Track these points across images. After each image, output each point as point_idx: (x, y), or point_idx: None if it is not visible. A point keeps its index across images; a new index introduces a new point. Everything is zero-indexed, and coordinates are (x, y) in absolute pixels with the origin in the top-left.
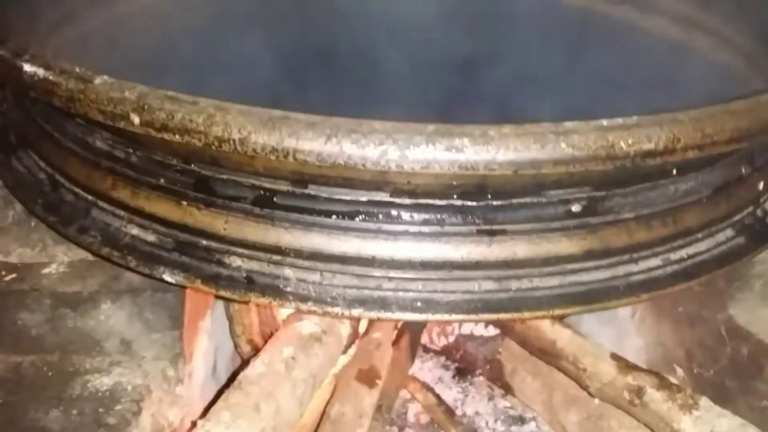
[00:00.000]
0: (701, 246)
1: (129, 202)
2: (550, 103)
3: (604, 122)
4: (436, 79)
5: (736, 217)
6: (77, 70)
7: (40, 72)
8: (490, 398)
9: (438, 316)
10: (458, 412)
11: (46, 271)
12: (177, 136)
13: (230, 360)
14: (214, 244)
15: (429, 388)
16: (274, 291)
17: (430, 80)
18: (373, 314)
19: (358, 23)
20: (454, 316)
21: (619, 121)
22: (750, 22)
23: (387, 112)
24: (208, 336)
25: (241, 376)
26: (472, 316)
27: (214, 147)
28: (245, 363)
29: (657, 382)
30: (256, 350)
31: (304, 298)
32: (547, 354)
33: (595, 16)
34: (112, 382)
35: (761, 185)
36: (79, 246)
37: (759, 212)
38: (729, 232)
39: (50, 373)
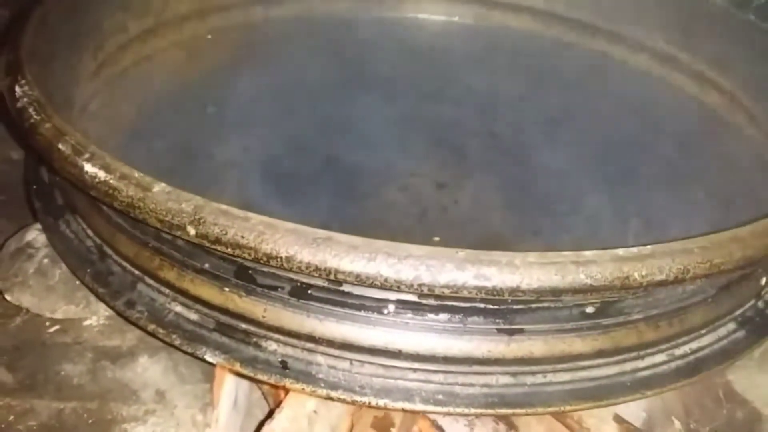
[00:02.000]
0: (704, 341)
1: (174, 283)
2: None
3: (621, 252)
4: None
5: (738, 311)
6: (136, 175)
7: (101, 174)
8: None
9: (458, 410)
10: None
11: (87, 323)
12: (229, 249)
13: (248, 390)
14: (252, 328)
15: (438, 428)
16: (307, 377)
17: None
18: (399, 405)
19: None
20: (473, 410)
21: (634, 251)
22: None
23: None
24: (233, 377)
25: (267, 431)
26: (489, 411)
27: (262, 262)
28: (269, 414)
29: None
30: (275, 387)
31: (334, 386)
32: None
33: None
34: None
35: (764, 280)
36: (126, 320)
37: (760, 304)
38: (731, 326)
39: (90, 421)
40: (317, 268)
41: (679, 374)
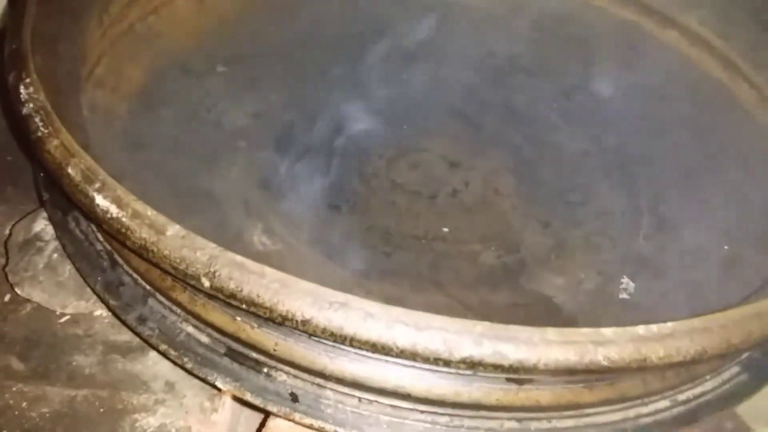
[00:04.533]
0: (707, 386)
1: (186, 306)
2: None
3: (640, 331)
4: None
5: (744, 355)
6: (149, 214)
7: (113, 210)
8: None
9: None
10: None
11: (98, 314)
12: (244, 306)
13: None
14: (263, 358)
15: None
16: (316, 411)
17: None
18: None
19: None
20: None
21: (654, 330)
22: None
23: None
24: None
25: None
26: None
27: (277, 321)
28: None
29: None
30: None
31: (342, 423)
32: None
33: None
34: (158, 423)
35: None
36: (137, 336)
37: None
38: (735, 369)
39: (102, 409)
40: (333, 334)
41: (680, 420)
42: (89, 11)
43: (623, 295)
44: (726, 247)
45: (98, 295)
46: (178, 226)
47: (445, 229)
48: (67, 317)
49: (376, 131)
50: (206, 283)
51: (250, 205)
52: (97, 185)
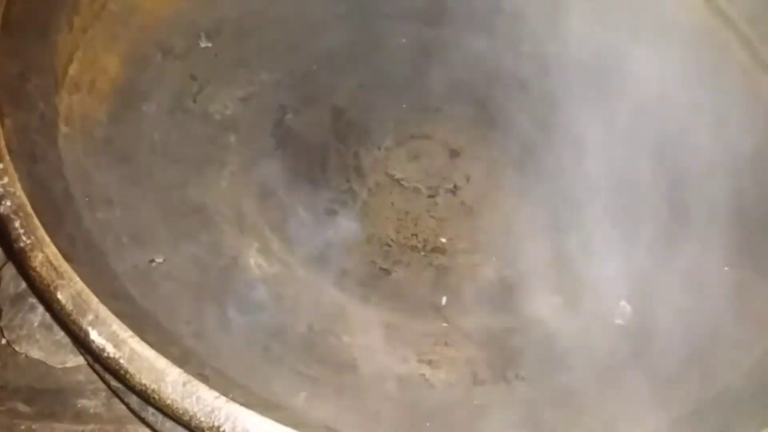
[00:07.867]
0: None
1: None
2: None
3: None
4: None
5: None
6: (147, 355)
7: (110, 350)
8: None
9: None
10: None
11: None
12: None
13: None
14: None
15: None
16: None
17: None
18: None
19: None
20: None
21: None
22: None
23: None
24: None
25: None
26: None
27: None
28: None
29: None
30: None
31: None
32: None
33: None
34: None
35: None
36: None
37: None
38: None
39: None
40: None
41: None
42: (58, 20)
43: (619, 321)
44: (726, 269)
45: (114, 392)
46: (177, 371)
47: (443, 240)
48: (67, 366)
49: (375, 112)
50: None
51: (244, 219)
52: (90, 317)
